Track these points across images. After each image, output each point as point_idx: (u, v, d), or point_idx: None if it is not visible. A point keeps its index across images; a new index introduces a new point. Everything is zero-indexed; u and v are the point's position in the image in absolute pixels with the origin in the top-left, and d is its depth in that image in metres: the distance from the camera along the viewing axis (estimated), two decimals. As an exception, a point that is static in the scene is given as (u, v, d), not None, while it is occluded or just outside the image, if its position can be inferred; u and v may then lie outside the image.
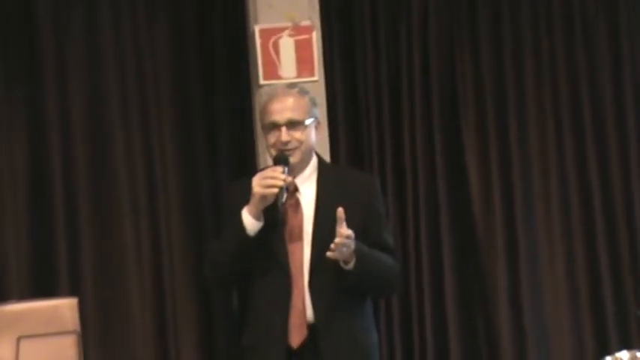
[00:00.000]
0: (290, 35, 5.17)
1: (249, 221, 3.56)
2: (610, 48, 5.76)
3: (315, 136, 3.70)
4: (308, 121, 3.66)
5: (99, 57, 5.34)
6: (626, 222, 5.71)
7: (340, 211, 3.48)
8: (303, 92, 3.72)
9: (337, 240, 3.46)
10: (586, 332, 5.68)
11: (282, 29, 5.17)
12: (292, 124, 3.62)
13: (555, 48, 5.71)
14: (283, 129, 3.62)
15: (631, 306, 5.64)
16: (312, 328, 3.61)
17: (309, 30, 5.18)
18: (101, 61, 5.34)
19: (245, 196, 3.58)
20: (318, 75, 5.19)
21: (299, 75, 5.13)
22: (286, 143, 3.62)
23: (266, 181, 3.53)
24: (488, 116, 5.69)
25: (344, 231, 3.47)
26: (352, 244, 3.50)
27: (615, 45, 5.76)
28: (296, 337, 3.60)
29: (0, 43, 5.26)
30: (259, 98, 5.02)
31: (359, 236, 3.58)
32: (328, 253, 3.48)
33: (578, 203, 5.73)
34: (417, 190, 5.60)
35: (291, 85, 3.82)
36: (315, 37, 5.19)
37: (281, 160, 3.61)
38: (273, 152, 3.64)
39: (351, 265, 3.54)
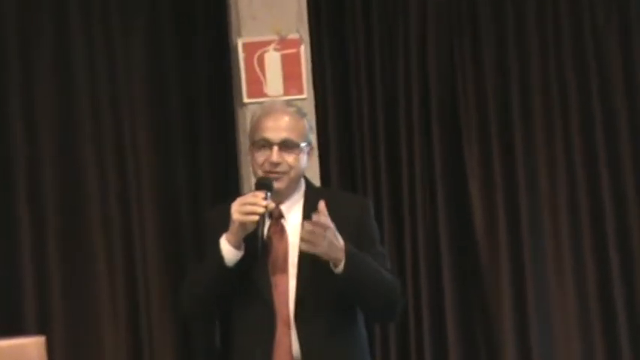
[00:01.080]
0: (276, 49, 5.10)
1: (228, 250, 3.44)
2: (621, 53, 5.71)
3: (306, 162, 3.60)
4: (303, 145, 3.55)
5: (70, 73, 5.29)
6: (638, 229, 5.67)
7: (321, 204, 3.37)
8: (301, 113, 3.60)
9: (306, 224, 3.34)
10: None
11: (267, 43, 5.10)
12: (286, 146, 3.50)
13: (564, 60, 5.69)
14: (275, 149, 3.49)
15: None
16: None
17: (296, 44, 5.11)
18: (72, 77, 5.29)
19: (225, 224, 3.46)
20: (307, 92, 5.12)
21: (286, 92, 5.05)
22: (276, 165, 3.49)
23: (245, 207, 3.40)
24: (491, 135, 5.63)
25: (317, 217, 3.35)
26: (332, 236, 3.36)
27: (626, 51, 5.72)
28: None
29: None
30: (242, 118, 5.02)
31: None
32: (300, 244, 3.38)
33: (588, 216, 5.67)
34: (415, 215, 5.53)
35: (289, 104, 3.72)
36: (304, 51, 5.13)
37: (263, 184, 3.48)
38: (260, 173, 3.52)
39: (340, 268, 3.39)
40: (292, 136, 3.50)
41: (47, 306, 5.18)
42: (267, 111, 3.56)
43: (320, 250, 3.35)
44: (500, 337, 5.53)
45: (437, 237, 5.53)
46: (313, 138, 3.65)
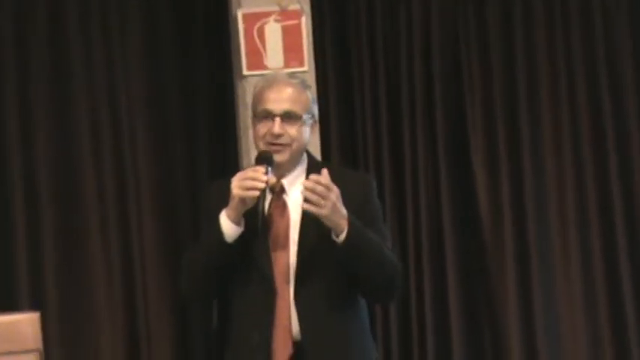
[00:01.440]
0: (277, 21, 5.09)
1: (228, 226, 3.39)
2: (633, 45, 5.68)
3: (309, 136, 3.55)
4: (306, 117, 3.50)
5: (66, 48, 5.27)
6: None
7: (324, 171, 3.33)
8: (304, 85, 3.56)
9: (306, 182, 3.30)
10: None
11: (267, 14, 5.08)
12: (289, 117, 3.46)
13: (573, 50, 5.66)
14: (277, 120, 3.44)
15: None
16: (298, 345, 3.45)
17: (297, 15, 5.09)
18: (69, 53, 5.27)
19: (224, 199, 3.42)
20: (307, 65, 5.12)
21: (287, 65, 5.04)
22: (278, 137, 3.44)
23: (246, 182, 3.36)
24: (496, 113, 5.60)
25: (318, 177, 3.31)
26: (336, 198, 3.32)
27: (635, 35, 5.68)
28: (280, 356, 3.44)
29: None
30: (242, 90, 5.02)
31: None
32: (303, 204, 3.31)
33: (596, 212, 5.65)
34: (417, 192, 5.52)
35: (292, 75, 3.66)
36: (305, 23, 5.12)
37: (264, 158, 3.43)
38: (262, 145, 3.47)
39: (342, 237, 3.35)
40: (295, 108, 3.46)
41: (41, 282, 5.18)
42: (270, 82, 3.52)
43: (323, 211, 3.30)
44: (504, 317, 5.51)
45: (440, 215, 5.53)
46: (316, 111, 3.58)
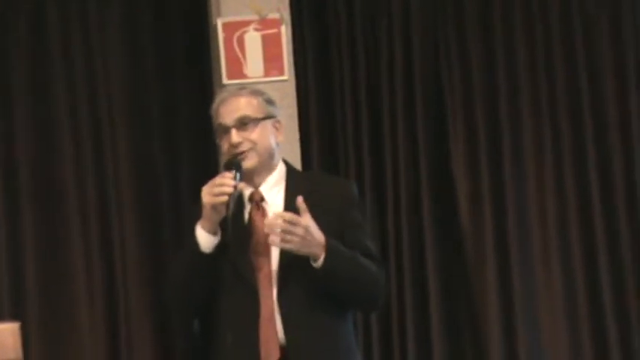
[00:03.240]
0: (256, 30, 5.07)
1: (204, 237, 3.44)
2: (612, 46, 5.62)
3: (274, 137, 3.59)
4: (261, 117, 3.55)
5: (47, 51, 5.26)
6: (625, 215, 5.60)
7: (299, 200, 3.38)
8: (255, 92, 3.62)
9: (266, 220, 3.38)
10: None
11: (247, 23, 5.05)
12: (243, 124, 3.52)
13: (553, 52, 5.62)
14: (233, 131, 3.51)
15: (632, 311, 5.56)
16: (284, 350, 3.47)
17: (277, 24, 5.07)
18: (50, 55, 5.25)
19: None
20: (287, 73, 5.09)
21: (267, 74, 5.04)
22: (237, 145, 3.50)
23: (214, 189, 3.41)
24: (477, 114, 5.56)
25: (288, 215, 3.36)
26: (305, 234, 3.36)
27: (618, 44, 5.62)
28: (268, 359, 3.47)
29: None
30: None
31: None
32: (270, 238, 3.38)
33: (576, 213, 5.60)
34: (398, 198, 5.48)
35: (242, 87, 3.74)
36: (284, 31, 5.10)
37: (231, 164, 3.49)
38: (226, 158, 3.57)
39: (319, 263, 3.39)
40: (246, 112, 3.52)
41: (22, 292, 5.14)
42: (222, 98, 3.59)
43: (289, 246, 3.36)
44: (485, 322, 5.47)
45: (421, 220, 5.47)
46: (277, 111, 3.63)
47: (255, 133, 3.50)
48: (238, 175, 3.42)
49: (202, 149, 5.31)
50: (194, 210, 3.56)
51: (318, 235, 3.38)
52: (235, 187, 3.39)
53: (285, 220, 3.34)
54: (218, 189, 3.38)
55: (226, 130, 3.50)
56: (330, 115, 5.50)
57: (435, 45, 5.54)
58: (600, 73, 5.61)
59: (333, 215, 3.50)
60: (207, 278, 3.46)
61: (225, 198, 3.37)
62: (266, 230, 3.37)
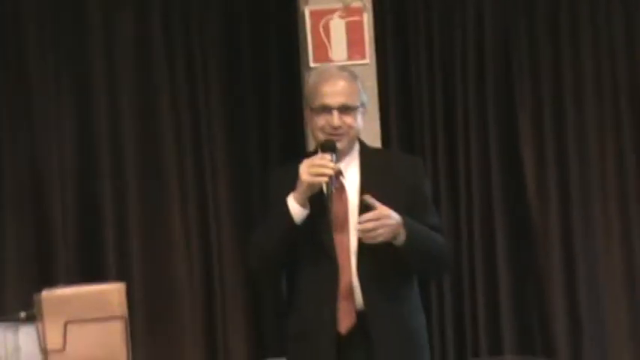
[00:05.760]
0: (341, 17, 5.12)
1: (296, 209, 3.50)
2: None
3: (362, 122, 3.64)
4: (358, 106, 3.60)
5: (149, 46, 5.40)
6: None
7: (368, 197, 3.45)
8: (353, 76, 3.64)
9: (359, 226, 3.42)
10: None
11: (332, 11, 5.12)
12: (345, 109, 3.55)
13: (614, 35, 5.65)
14: (335, 113, 3.54)
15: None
16: (360, 314, 3.55)
17: (360, 11, 5.13)
18: (151, 52, 5.38)
19: (290, 183, 3.53)
20: (369, 58, 5.13)
21: (350, 58, 5.07)
22: (337, 128, 3.55)
23: (315, 169, 3.46)
24: (543, 97, 5.61)
25: (366, 216, 3.43)
26: (390, 221, 3.43)
27: None
28: (345, 323, 3.55)
29: (51, 39, 5.33)
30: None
31: None
32: (361, 237, 3.45)
33: (636, 191, 5.64)
34: (469, 177, 5.55)
35: (341, 68, 3.74)
36: (367, 18, 5.15)
37: (329, 147, 3.54)
38: (320, 135, 3.57)
39: (401, 240, 3.48)
40: (349, 100, 3.55)
41: (127, 255, 5.30)
42: (324, 77, 3.60)
43: (381, 239, 3.44)
44: (550, 295, 5.54)
45: (490, 197, 5.54)
46: (366, 98, 3.66)
47: (351, 119, 3.55)
48: (334, 156, 3.49)
49: (290, 132, 5.40)
50: (276, 177, 3.66)
51: (396, 217, 3.43)
52: (333, 168, 3.45)
53: (369, 220, 3.40)
54: (319, 169, 3.43)
55: (328, 109, 3.53)
56: (408, 96, 5.54)
57: (506, 36, 5.59)
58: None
59: (403, 189, 3.55)
60: (293, 247, 3.53)
61: (325, 178, 3.43)
62: (359, 235, 3.43)
